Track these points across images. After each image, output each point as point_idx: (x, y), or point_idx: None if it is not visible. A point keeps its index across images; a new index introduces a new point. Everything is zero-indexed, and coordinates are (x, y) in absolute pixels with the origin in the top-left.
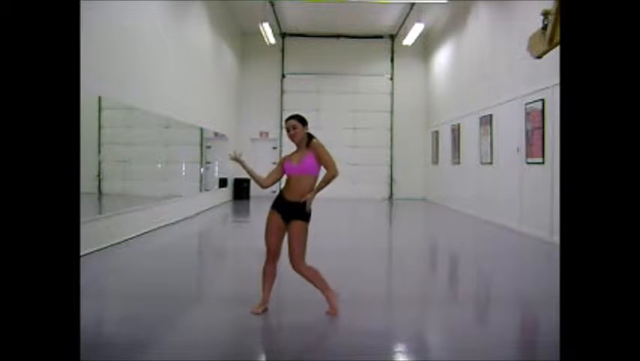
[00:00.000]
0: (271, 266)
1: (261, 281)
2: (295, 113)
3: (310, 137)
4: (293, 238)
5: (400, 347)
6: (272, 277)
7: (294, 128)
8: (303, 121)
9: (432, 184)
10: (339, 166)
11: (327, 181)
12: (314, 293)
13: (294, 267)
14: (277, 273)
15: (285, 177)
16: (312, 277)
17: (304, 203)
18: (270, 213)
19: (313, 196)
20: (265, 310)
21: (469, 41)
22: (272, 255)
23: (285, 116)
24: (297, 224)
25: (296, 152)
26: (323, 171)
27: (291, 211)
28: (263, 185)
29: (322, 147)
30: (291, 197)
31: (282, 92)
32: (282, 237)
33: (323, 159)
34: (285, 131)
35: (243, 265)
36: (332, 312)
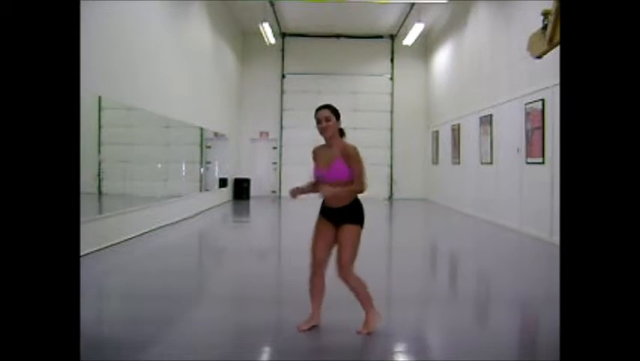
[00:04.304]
0: (318, 278)
1: (309, 295)
2: (327, 103)
3: (342, 133)
4: (343, 243)
5: (400, 347)
6: (320, 290)
7: (327, 120)
8: (336, 113)
9: (432, 184)
10: None
11: (350, 191)
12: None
13: (340, 274)
14: (325, 285)
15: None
16: (358, 288)
17: (350, 206)
18: (318, 220)
19: (331, 192)
20: (313, 327)
21: (469, 41)
22: (318, 265)
23: (286, 116)
24: (348, 228)
25: (325, 149)
26: None
27: (339, 216)
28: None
29: (357, 154)
30: (333, 204)
31: (282, 92)
32: (331, 245)
33: (352, 167)
34: (282, 131)
35: (243, 266)
36: (363, 331)
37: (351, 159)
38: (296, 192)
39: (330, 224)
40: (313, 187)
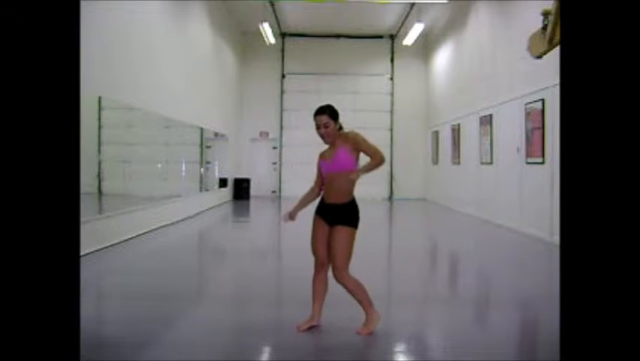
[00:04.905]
0: (321, 276)
1: (311, 294)
2: (324, 104)
3: (340, 128)
4: (335, 245)
5: (399, 347)
6: (322, 289)
7: (326, 126)
8: (334, 115)
9: (432, 184)
10: None
11: (374, 166)
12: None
13: (335, 277)
14: (328, 285)
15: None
16: (356, 289)
17: (346, 205)
18: (315, 218)
19: (360, 174)
20: (312, 327)
21: (469, 41)
22: (321, 264)
23: (286, 116)
24: (340, 230)
25: (329, 149)
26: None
27: (334, 215)
28: (315, 196)
29: (358, 136)
30: (330, 199)
31: (282, 92)
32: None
33: (363, 147)
34: (282, 131)
35: (243, 266)
36: (363, 332)
37: (357, 143)
38: (292, 215)
39: (324, 223)
40: (309, 196)
